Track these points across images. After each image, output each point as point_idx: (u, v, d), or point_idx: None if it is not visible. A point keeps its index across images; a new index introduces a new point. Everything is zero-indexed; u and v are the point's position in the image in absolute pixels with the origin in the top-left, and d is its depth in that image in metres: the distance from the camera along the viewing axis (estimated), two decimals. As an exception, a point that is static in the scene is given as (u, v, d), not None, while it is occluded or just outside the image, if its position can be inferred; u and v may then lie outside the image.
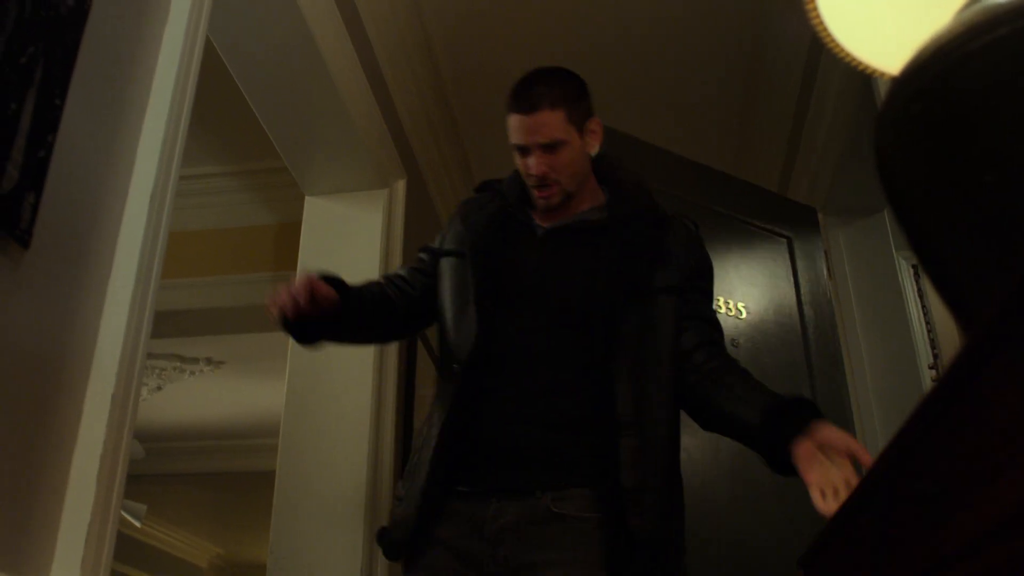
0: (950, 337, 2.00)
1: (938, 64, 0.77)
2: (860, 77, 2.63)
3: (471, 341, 1.69)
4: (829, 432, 1.47)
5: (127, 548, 8.20)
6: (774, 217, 3.25)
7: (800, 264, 3.19)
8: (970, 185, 0.75)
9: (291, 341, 3.31)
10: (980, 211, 0.75)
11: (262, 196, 4.29)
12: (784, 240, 3.21)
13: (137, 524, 6.57)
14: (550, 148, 1.76)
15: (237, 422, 7.16)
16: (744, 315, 2.88)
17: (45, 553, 1.30)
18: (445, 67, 3.43)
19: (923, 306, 2.22)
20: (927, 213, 0.83)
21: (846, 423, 3.10)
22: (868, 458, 1.41)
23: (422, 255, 1.96)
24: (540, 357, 1.70)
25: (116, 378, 1.43)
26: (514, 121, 1.78)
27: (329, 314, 1.70)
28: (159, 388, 6.45)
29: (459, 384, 1.70)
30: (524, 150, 1.79)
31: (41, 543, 1.29)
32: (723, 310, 2.84)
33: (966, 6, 0.83)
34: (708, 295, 1.86)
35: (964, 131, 0.75)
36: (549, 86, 1.78)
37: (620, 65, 3.55)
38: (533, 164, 1.77)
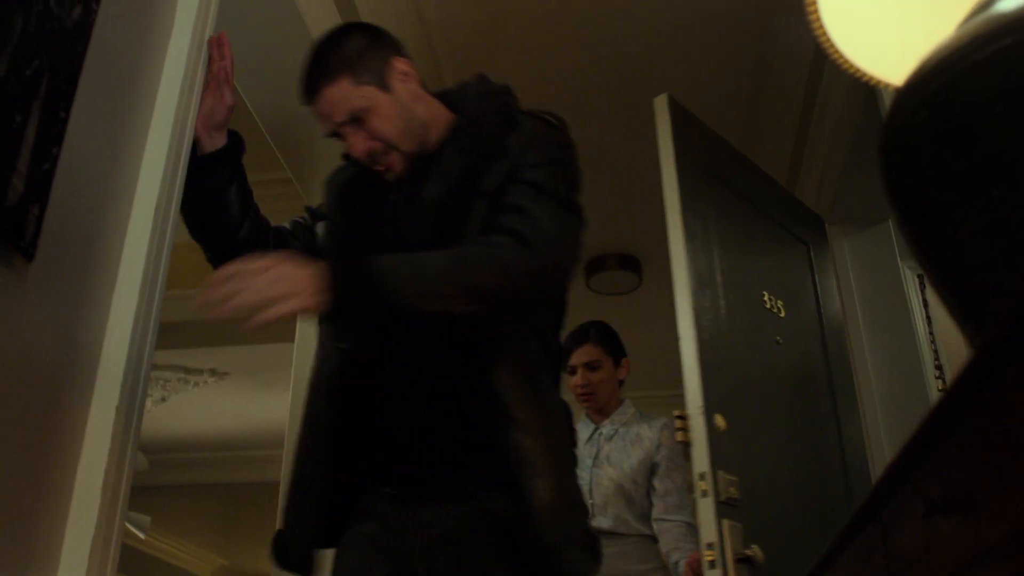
0: (955, 346, 2.00)
1: (943, 74, 0.77)
2: (864, 88, 2.63)
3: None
4: None
5: (131, 560, 8.19)
6: (796, 221, 3.27)
7: (817, 270, 3.21)
8: (976, 193, 0.75)
9: (295, 352, 3.32)
10: (986, 218, 0.75)
11: (266, 207, 4.25)
12: (804, 245, 3.22)
13: (141, 536, 6.57)
14: (356, 122, 1.58)
15: (241, 433, 7.16)
16: (783, 313, 2.89)
17: (49, 566, 1.29)
18: (449, 78, 3.44)
19: (927, 315, 2.22)
20: (932, 221, 0.83)
21: (857, 431, 3.10)
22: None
23: (304, 214, 1.84)
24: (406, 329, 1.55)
25: (120, 390, 1.43)
26: (312, 113, 1.63)
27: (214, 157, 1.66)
28: (163, 399, 6.45)
29: (345, 362, 1.57)
30: (336, 136, 1.63)
31: (45, 555, 1.29)
32: (768, 304, 2.84)
33: (969, 17, 0.83)
34: (538, 185, 1.53)
35: (969, 140, 0.75)
36: (320, 60, 1.60)
37: (622, 76, 3.56)
38: (353, 145, 1.60)
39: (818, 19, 1.15)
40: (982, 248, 0.77)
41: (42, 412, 1.30)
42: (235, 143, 1.76)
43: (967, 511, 0.69)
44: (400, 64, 1.64)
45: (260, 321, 1.30)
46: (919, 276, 2.31)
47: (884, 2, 1.10)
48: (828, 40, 1.16)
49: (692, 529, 2.72)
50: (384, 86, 1.60)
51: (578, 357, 3.06)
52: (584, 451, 2.97)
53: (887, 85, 1.15)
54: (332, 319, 1.46)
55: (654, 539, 2.82)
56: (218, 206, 1.71)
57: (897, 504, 0.99)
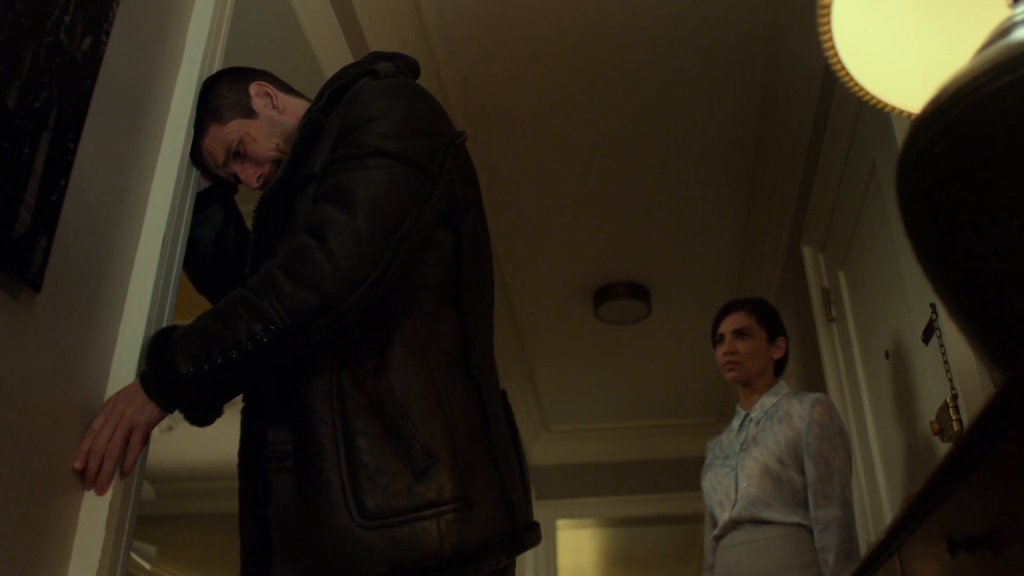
0: (969, 373, 1.97)
1: (960, 103, 0.76)
2: (877, 119, 2.62)
3: None
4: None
5: (137, 590, 8.13)
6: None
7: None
8: (997, 224, 0.73)
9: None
10: (1008, 249, 0.73)
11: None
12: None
13: (147, 566, 6.53)
14: (238, 156, 1.66)
15: (248, 462, 7.10)
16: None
17: (53, 600, 1.28)
18: (448, 79, 3.44)
19: (941, 345, 2.19)
20: (951, 252, 0.81)
21: (867, 450, 3.06)
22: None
23: None
24: None
25: (127, 421, 1.42)
26: (205, 168, 1.72)
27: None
28: (170, 428, 6.42)
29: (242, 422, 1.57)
30: (236, 179, 1.70)
31: (49, 590, 1.27)
32: None
33: (986, 45, 0.82)
34: (354, 154, 1.41)
35: (990, 170, 0.73)
36: (195, 124, 1.69)
37: (624, 85, 3.56)
38: (247, 180, 1.67)
39: (832, 45, 1.14)
40: (1004, 279, 0.75)
41: (49, 443, 1.29)
42: (224, 182, 1.78)
43: (994, 550, 0.67)
44: (256, 87, 1.69)
45: (129, 467, 1.38)
46: (931, 304, 2.28)
47: (898, 29, 1.09)
48: (841, 66, 1.15)
49: (845, 524, 2.40)
50: (248, 113, 1.66)
51: (727, 324, 2.81)
52: (734, 441, 2.72)
53: (902, 112, 1.14)
54: (188, 411, 1.41)
55: (810, 529, 2.46)
56: (217, 250, 1.74)
57: (918, 540, 0.96)
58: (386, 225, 1.36)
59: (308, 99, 1.77)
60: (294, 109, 1.71)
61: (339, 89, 1.58)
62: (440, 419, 1.38)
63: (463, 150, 1.58)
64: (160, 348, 1.36)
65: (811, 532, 2.46)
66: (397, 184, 1.39)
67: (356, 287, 1.32)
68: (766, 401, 2.71)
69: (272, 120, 1.67)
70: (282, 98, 1.71)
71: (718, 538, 2.66)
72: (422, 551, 1.28)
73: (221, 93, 1.69)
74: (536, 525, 1.48)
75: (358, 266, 1.33)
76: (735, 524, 2.56)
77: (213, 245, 1.74)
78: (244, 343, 1.31)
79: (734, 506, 2.57)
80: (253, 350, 1.31)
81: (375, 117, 1.44)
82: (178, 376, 1.32)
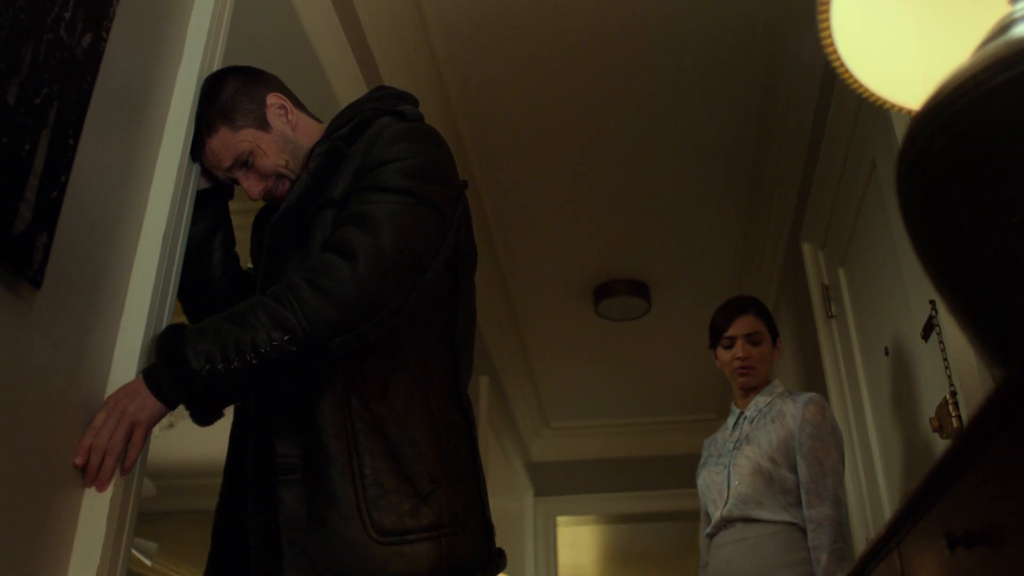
0: (968, 370, 1.97)
1: (960, 100, 0.76)
2: (877, 117, 2.62)
3: None
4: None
5: (137, 587, 8.13)
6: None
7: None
8: (997, 221, 0.73)
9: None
10: (1007, 246, 0.73)
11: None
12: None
13: (148, 563, 6.53)
14: (244, 165, 1.65)
15: (249, 460, 7.09)
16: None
17: (54, 597, 1.28)
18: (449, 80, 3.43)
19: (940, 342, 2.19)
20: (951, 249, 0.81)
21: (868, 451, 3.06)
22: None
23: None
24: None
25: (127, 418, 1.42)
26: (204, 164, 1.70)
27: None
28: (171, 425, 6.43)
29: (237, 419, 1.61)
30: (233, 181, 1.69)
31: (50, 586, 1.27)
32: None
33: (986, 42, 0.82)
34: (379, 186, 1.47)
35: (989, 167, 0.73)
36: (199, 113, 1.67)
37: (625, 85, 3.56)
38: (248, 188, 1.66)
39: (831, 42, 1.14)
40: (1004, 277, 0.75)
41: (49, 440, 1.29)
42: (222, 185, 1.78)
43: (993, 545, 0.67)
44: (274, 99, 1.69)
45: (130, 464, 1.38)
46: (931, 301, 2.28)
47: (897, 26, 1.09)
48: (841, 63, 1.15)
49: (838, 523, 2.38)
50: (262, 125, 1.66)
51: (738, 328, 2.77)
52: (728, 439, 2.72)
53: (902, 109, 1.14)
54: (193, 408, 1.42)
55: (801, 528, 2.46)
56: (201, 253, 1.73)
57: (917, 536, 0.97)
58: (410, 257, 1.43)
59: (316, 118, 1.79)
60: (305, 128, 1.72)
61: (363, 123, 1.63)
62: (439, 446, 1.46)
63: (466, 199, 1.65)
64: (170, 344, 1.37)
65: (802, 530, 2.47)
66: (420, 222, 1.46)
67: (379, 309, 1.38)
68: (760, 400, 2.72)
69: (285, 136, 1.68)
70: (296, 115, 1.72)
71: (711, 536, 2.68)
72: (427, 568, 1.36)
73: (235, 96, 1.67)
74: (503, 551, 1.57)
75: (383, 289, 1.38)
76: (727, 522, 2.58)
77: (199, 244, 1.74)
78: (262, 348, 1.33)
79: (726, 504, 2.59)
80: (271, 356, 1.33)
81: (401, 157, 1.50)
82: (190, 372, 1.33)
